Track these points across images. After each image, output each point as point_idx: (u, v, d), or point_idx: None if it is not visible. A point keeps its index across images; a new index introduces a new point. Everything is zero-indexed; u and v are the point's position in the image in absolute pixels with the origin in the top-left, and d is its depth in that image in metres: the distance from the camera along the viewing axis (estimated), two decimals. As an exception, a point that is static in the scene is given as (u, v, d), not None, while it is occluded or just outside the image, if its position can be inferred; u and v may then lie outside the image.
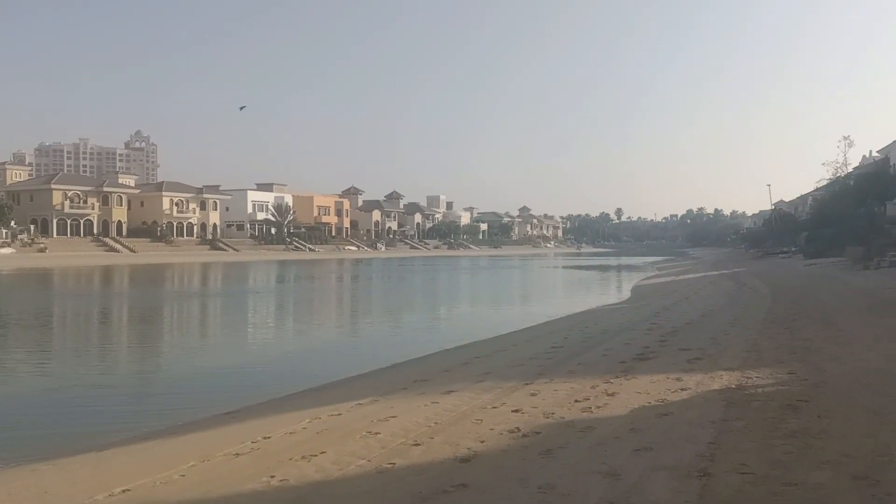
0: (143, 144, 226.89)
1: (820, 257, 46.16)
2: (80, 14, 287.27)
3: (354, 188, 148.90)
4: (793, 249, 61.94)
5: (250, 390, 12.36)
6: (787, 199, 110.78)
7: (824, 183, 71.91)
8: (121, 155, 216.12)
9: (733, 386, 7.90)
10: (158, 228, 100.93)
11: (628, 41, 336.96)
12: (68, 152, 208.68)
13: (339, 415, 8.33)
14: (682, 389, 7.92)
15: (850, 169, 71.39)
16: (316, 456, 6.22)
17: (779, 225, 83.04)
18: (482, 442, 6.24)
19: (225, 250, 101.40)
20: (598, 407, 7.34)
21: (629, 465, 5.23)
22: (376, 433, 6.92)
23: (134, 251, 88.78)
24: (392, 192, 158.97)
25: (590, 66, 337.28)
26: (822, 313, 15.11)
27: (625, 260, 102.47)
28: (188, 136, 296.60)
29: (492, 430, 6.66)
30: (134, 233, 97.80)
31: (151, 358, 17.08)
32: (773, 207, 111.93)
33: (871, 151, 79.42)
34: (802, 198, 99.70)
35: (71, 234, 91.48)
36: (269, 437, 7.31)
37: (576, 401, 7.73)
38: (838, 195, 60.84)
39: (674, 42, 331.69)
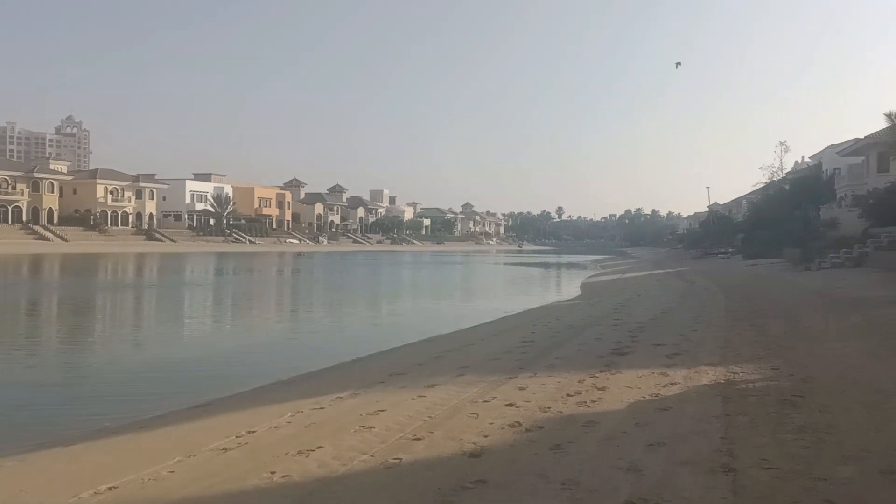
0: (75, 130, 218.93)
1: (758, 258, 47.49)
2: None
3: (296, 180, 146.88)
4: (729, 250, 63.68)
5: (212, 383, 11.92)
6: (720, 202, 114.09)
7: (761, 186, 74.20)
8: (51, 140, 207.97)
9: (722, 381, 7.93)
10: (92, 217, 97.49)
11: (572, 45, 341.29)
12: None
13: (322, 408, 8.05)
14: (671, 384, 7.91)
15: (783, 174, 73.85)
16: (313, 451, 5.94)
17: (715, 226, 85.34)
18: (486, 436, 6.06)
19: (161, 241, 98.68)
20: (593, 401, 7.25)
21: (647, 461, 5.13)
22: (370, 427, 6.68)
23: (66, 240, 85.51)
24: (335, 186, 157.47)
25: (535, 68, 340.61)
26: (781, 311, 15.46)
27: (566, 258, 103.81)
28: (122, 123, 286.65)
29: (491, 424, 6.50)
30: (66, 221, 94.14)
31: (98, 352, 16.20)
32: (707, 209, 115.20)
33: (803, 157, 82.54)
34: (736, 200, 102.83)
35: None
36: (253, 431, 6.99)
37: (567, 395, 7.63)
38: (774, 198, 62.82)
39: (617, 48, 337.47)
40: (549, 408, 7.04)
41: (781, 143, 75.57)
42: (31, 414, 9.83)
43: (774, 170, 71.41)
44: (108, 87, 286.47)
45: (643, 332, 13.12)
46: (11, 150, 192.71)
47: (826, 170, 61.59)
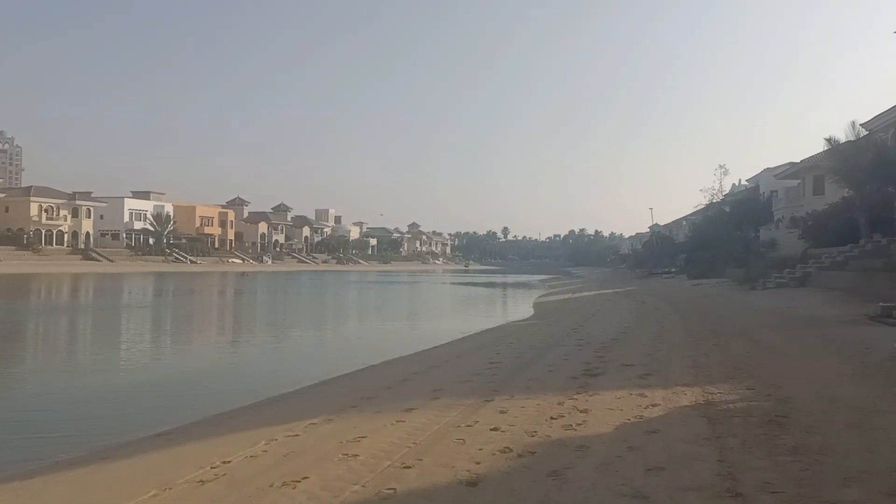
0: (7, 146, 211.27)
1: (702, 278, 48.61)
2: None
3: (240, 199, 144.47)
4: (672, 270, 65.09)
5: (168, 411, 11.45)
6: (661, 223, 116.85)
7: (701, 207, 76.14)
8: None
9: (702, 402, 7.93)
10: (25, 236, 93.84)
11: (510, 62, 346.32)
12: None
13: (297, 435, 7.75)
14: (652, 405, 7.88)
15: (722, 196, 75.99)
16: (299, 482, 5.68)
17: (658, 247, 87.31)
18: (478, 463, 5.90)
19: (99, 260, 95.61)
20: (579, 424, 7.16)
21: (651, 487, 5.04)
22: (354, 455, 6.43)
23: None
24: (279, 205, 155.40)
25: (481, 91, 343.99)
26: (738, 331, 15.71)
27: (513, 277, 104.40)
28: (56, 139, 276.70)
29: (480, 450, 6.34)
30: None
31: (37, 380, 14.82)
32: (649, 230, 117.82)
33: (740, 180, 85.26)
34: (677, 221, 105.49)
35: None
36: (229, 462, 6.66)
37: (551, 418, 7.53)
38: (715, 220, 64.59)
39: (558, 68, 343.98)
40: (536, 432, 6.92)
41: (721, 167, 77.62)
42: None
43: (714, 192, 73.29)
44: (41, 103, 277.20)
45: (609, 352, 13.14)
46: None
47: (763, 192, 63.61)
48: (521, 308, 37.10)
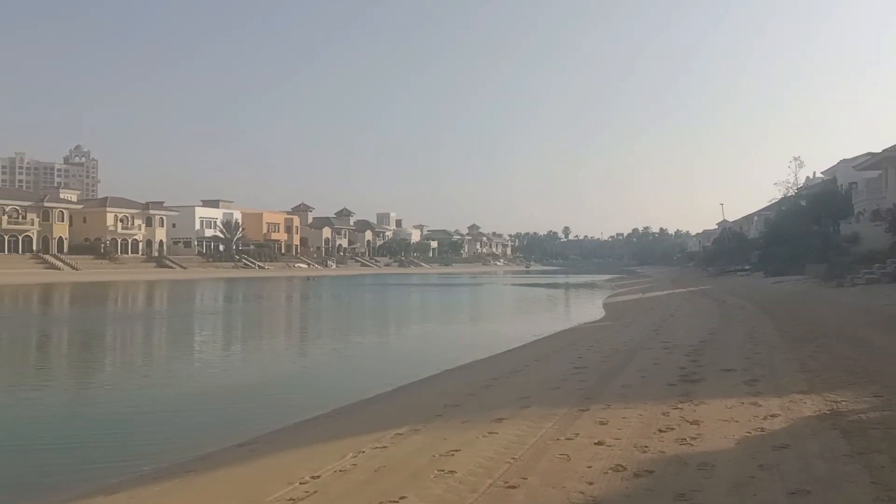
0: (83, 159, 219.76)
1: (779, 275, 46.66)
2: (8, 24, 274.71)
3: (304, 205, 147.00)
4: (747, 267, 62.84)
5: (247, 419, 11.31)
6: (729, 220, 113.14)
7: (774, 202, 73.36)
8: (59, 170, 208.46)
9: (826, 412, 7.19)
10: (102, 245, 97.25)
11: (572, 64, 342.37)
12: (3, 167, 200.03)
13: (385, 447, 7.33)
14: (771, 416, 7.17)
15: (797, 190, 72.95)
16: (397, 502, 5.24)
17: (730, 243, 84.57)
18: (590, 484, 5.34)
19: (172, 268, 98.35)
20: (693, 438, 6.52)
21: (802, 513, 4.41)
22: (451, 471, 5.95)
23: (76, 269, 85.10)
24: (342, 210, 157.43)
25: (536, 87, 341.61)
26: (838, 331, 14.66)
27: (577, 278, 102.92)
28: (129, 152, 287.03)
29: (589, 467, 5.77)
30: (76, 250, 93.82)
31: (114, 389, 14.64)
32: (717, 227, 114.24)
33: (815, 173, 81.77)
34: (747, 217, 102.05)
35: (8, 251, 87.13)
36: (318, 477, 6.27)
37: (659, 430, 6.91)
38: (791, 214, 62.05)
39: (621, 64, 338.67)
40: (647, 447, 6.31)
41: (796, 159, 74.59)
42: (55, 459, 9.03)
43: (790, 185, 70.38)
44: (114, 116, 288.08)
45: (701, 355, 12.36)
46: (20, 181, 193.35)
47: (841, 184, 60.80)
48: (590, 309, 36.14)
